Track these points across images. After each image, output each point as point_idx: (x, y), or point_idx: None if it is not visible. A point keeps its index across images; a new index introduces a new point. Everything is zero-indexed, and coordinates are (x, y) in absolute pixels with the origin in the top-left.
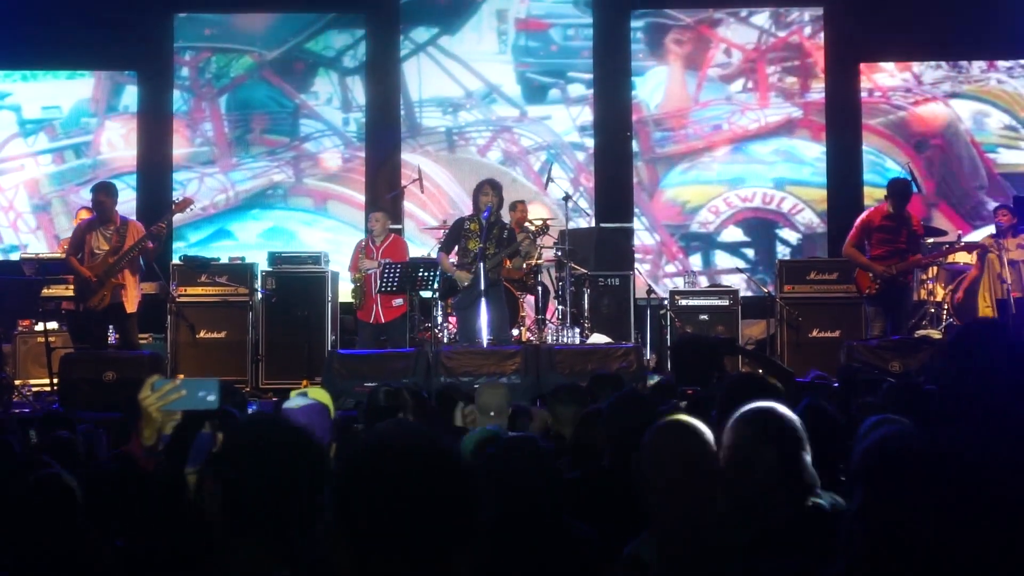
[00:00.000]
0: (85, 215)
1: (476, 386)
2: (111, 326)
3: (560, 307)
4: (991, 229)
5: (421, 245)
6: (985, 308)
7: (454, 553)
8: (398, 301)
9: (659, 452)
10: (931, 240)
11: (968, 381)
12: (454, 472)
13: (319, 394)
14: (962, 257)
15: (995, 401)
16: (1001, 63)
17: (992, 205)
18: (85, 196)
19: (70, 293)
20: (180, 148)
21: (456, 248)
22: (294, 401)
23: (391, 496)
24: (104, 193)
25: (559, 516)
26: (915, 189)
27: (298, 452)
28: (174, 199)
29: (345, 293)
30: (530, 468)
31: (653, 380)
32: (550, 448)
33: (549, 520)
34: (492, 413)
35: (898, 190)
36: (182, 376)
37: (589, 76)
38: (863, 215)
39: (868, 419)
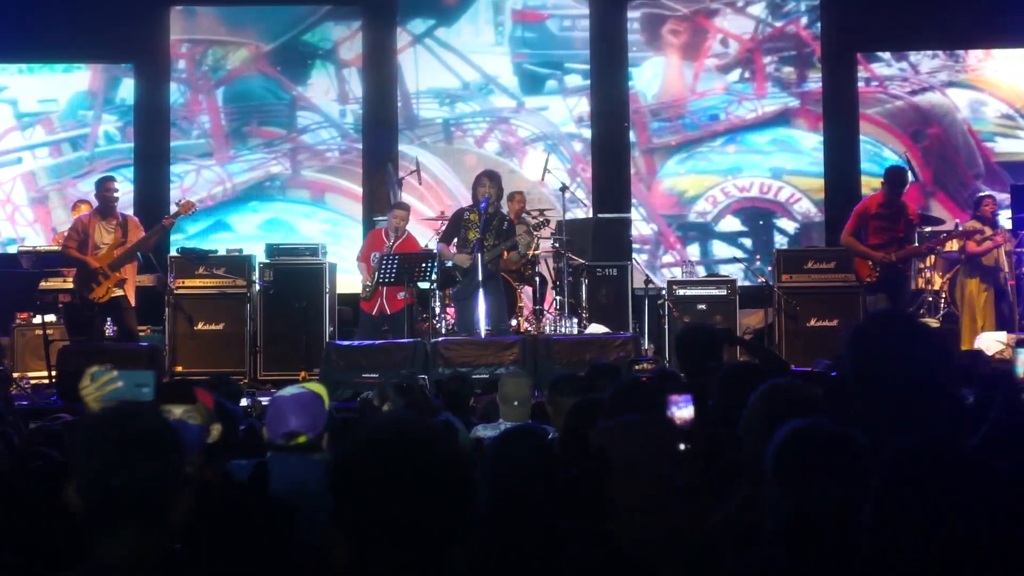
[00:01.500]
0: (85, 208)
1: (499, 375)
2: (109, 318)
3: (558, 297)
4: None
5: (419, 236)
6: (983, 293)
7: (451, 544)
8: (402, 294)
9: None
10: (928, 229)
11: (872, 368)
12: (450, 464)
13: (314, 386)
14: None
15: (899, 388)
16: (998, 52)
17: (979, 195)
18: (83, 189)
19: (68, 286)
20: (177, 140)
21: (456, 239)
22: (287, 390)
23: (387, 489)
24: (114, 183)
25: (553, 508)
26: (912, 178)
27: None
28: (176, 202)
29: (344, 284)
30: (528, 458)
31: (641, 365)
32: (551, 439)
33: (543, 512)
34: (516, 403)
35: (894, 178)
36: (180, 368)
37: (586, 67)
38: (859, 203)
39: None
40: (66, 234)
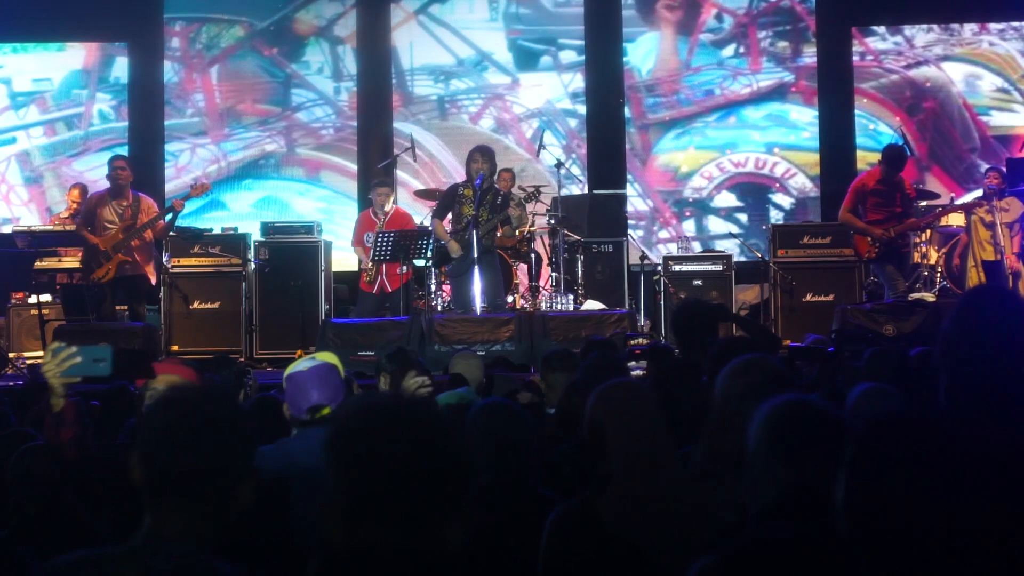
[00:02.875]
0: (76, 193)
1: (496, 352)
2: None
3: (554, 274)
4: (979, 192)
5: (415, 213)
6: (971, 270)
7: (447, 520)
8: (401, 269)
9: (599, 411)
10: (924, 203)
11: (974, 346)
12: (446, 439)
13: (327, 356)
14: (955, 219)
15: (1003, 367)
16: (993, 25)
17: (985, 167)
18: (77, 168)
19: (64, 265)
20: (171, 119)
21: (450, 215)
22: (303, 364)
23: (382, 463)
24: (122, 161)
25: (532, 480)
26: (908, 153)
27: (218, 416)
28: (191, 183)
29: (339, 262)
30: (508, 431)
31: (636, 341)
32: (526, 412)
33: (523, 483)
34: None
35: (893, 157)
36: (176, 348)
37: (580, 43)
38: (856, 180)
39: (856, 388)
40: (80, 211)
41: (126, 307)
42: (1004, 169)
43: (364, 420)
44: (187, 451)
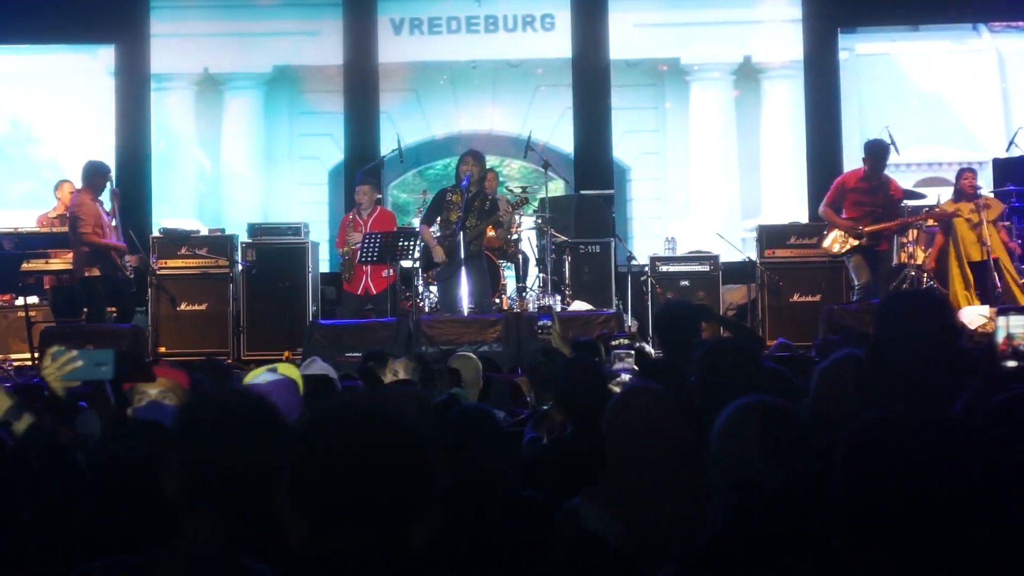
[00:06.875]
0: (68, 188)
1: (484, 352)
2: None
3: (541, 275)
4: (948, 191)
5: (403, 215)
6: (957, 273)
7: (411, 522)
8: (387, 272)
9: (625, 416)
10: (910, 203)
11: (893, 348)
12: (408, 440)
13: (288, 370)
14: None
15: (920, 369)
16: (980, 26)
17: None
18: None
19: (50, 267)
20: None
21: (439, 220)
22: (261, 377)
23: (344, 465)
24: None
25: (510, 485)
26: (892, 148)
27: (261, 427)
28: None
29: (326, 263)
30: (482, 439)
31: (617, 341)
32: (501, 419)
33: (500, 488)
34: (463, 384)
35: (874, 151)
36: (163, 349)
37: (568, 44)
38: (841, 176)
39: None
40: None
41: (114, 309)
42: (977, 169)
43: (323, 421)
44: (227, 456)
